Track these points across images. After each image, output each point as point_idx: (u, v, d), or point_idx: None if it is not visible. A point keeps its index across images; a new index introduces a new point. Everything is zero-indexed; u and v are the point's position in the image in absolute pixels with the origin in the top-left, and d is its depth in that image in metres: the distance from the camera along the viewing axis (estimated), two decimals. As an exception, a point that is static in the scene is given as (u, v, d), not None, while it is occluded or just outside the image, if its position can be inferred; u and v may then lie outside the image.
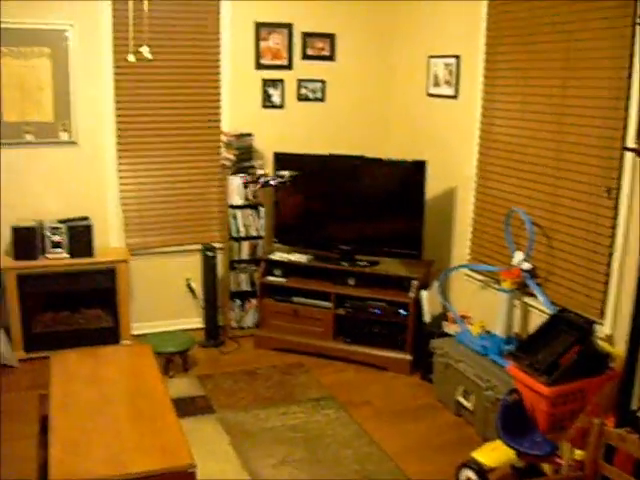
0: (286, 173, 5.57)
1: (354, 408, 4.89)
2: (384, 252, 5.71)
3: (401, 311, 5.41)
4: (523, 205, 4.82)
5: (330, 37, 6.21)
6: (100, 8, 5.56)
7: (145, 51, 4.45)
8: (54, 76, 5.58)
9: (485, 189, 5.28)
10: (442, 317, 5.36)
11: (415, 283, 5.41)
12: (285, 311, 5.79)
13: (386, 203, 5.67)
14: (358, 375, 5.44)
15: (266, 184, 5.64)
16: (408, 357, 5.42)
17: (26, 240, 5.46)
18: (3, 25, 5.38)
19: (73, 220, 5.64)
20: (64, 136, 5.70)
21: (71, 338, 5.64)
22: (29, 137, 5.61)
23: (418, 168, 5.45)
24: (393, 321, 5.46)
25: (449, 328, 5.16)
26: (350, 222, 5.81)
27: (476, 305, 5.33)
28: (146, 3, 5.02)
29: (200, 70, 5.98)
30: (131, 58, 4.57)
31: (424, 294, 5.45)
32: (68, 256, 5.57)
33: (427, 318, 5.43)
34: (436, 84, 5.72)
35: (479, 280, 5.33)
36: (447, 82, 5.58)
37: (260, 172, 5.92)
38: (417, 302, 5.42)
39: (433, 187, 5.67)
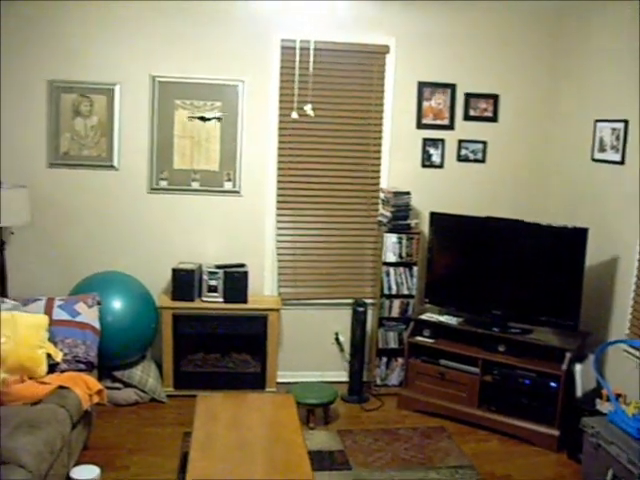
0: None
1: (494, 481, 4.70)
2: (538, 320, 5.49)
3: (552, 383, 5.17)
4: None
5: (494, 98, 6.15)
6: (270, 65, 5.84)
7: (308, 108, 4.58)
8: (223, 128, 5.86)
9: (650, 261, 5.00)
10: (595, 393, 5.06)
11: (569, 355, 5.16)
12: (431, 373, 5.68)
13: (543, 269, 5.47)
14: (501, 446, 5.22)
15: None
16: (556, 433, 5.13)
17: (184, 282, 5.71)
18: (180, 80, 5.76)
19: (230, 266, 5.84)
20: (228, 185, 5.95)
21: (218, 380, 5.82)
22: (195, 184, 5.91)
23: (579, 235, 5.24)
24: (542, 393, 5.21)
25: (602, 406, 4.86)
26: (504, 287, 5.64)
27: (633, 384, 5.00)
28: (311, 62, 5.19)
29: (362, 127, 6.09)
30: (294, 115, 4.73)
31: (577, 367, 5.19)
32: (222, 300, 5.75)
33: (579, 393, 5.16)
34: (602, 149, 5.51)
35: (638, 357, 5.01)
36: (613, 147, 5.37)
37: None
38: (569, 375, 5.17)
39: (593, 255, 5.42)
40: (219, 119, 5.72)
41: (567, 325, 5.35)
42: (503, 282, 5.64)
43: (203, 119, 5.72)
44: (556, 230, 5.40)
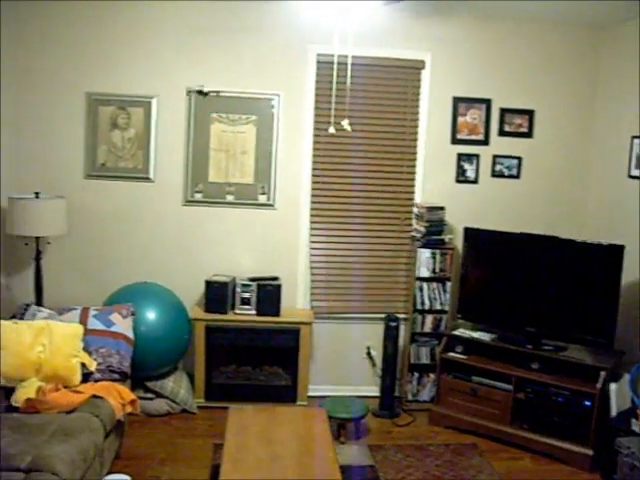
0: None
1: (526, 499, 4.64)
2: (572, 338, 5.43)
3: (586, 402, 5.11)
4: None
5: (529, 113, 6.12)
6: (306, 79, 5.88)
7: (345, 124, 4.59)
8: (258, 141, 5.90)
9: (688, 280, 4.93)
10: (630, 413, 4.99)
11: (603, 374, 5.10)
12: (463, 389, 5.64)
13: (578, 287, 5.42)
14: (534, 465, 5.14)
15: None
16: (589, 452, 5.06)
17: (218, 294, 5.74)
18: (216, 94, 5.80)
19: (263, 279, 5.86)
20: (262, 198, 5.98)
21: (249, 392, 5.83)
22: (230, 197, 5.95)
23: (614, 252, 5.18)
24: (576, 412, 5.15)
25: (638, 426, 4.79)
26: (538, 303, 5.59)
27: (670, 404, 4.93)
28: (349, 77, 5.21)
29: (397, 142, 6.10)
30: (331, 130, 4.75)
31: (612, 387, 5.12)
32: (255, 313, 5.77)
33: (614, 413, 5.09)
34: (638, 165, 5.45)
35: (675, 377, 4.94)
36: (651, 164, 5.32)
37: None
38: (604, 394, 5.10)
39: (630, 272, 5.37)
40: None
41: (602, 343, 5.29)
42: (537, 299, 5.60)
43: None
44: (591, 247, 5.35)
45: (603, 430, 5.03)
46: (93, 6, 5.66)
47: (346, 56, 5.21)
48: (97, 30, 5.70)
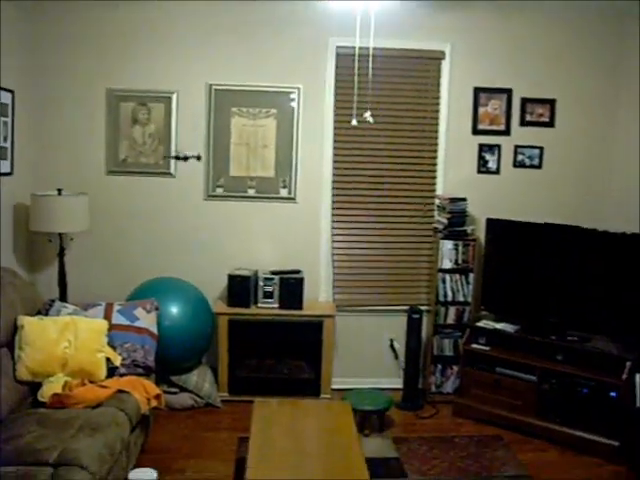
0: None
1: (552, 491, 4.62)
2: (597, 328, 5.40)
3: (611, 393, 5.07)
4: None
5: (550, 103, 6.07)
6: (326, 72, 5.87)
7: (368, 115, 4.58)
8: (278, 135, 5.90)
9: None
10: (657, 404, 4.97)
11: (629, 364, 5.06)
12: (487, 381, 5.62)
13: (601, 277, 5.38)
14: (560, 457, 5.11)
15: None
16: (615, 443, 5.02)
17: (240, 288, 5.75)
18: (236, 88, 5.82)
19: (286, 272, 5.86)
20: (283, 192, 5.98)
21: (273, 386, 5.84)
22: (251, 191, 5.96)
23: (637, 242, 5.14)
24: (601, 403, 5.11)
25: (664, 416, 4.77)
26: (562, 294, 5.55)
27: (697, 394, 4.89)
28: (370, 69, 5.20)
29: (418, 133, 6.08)
30: (354, 122, 4.73)
31: (638, 377, 5.08)
32: (278, 307, 5.77)
33: (640, 403, 5.07)
34: (663, 154, 5.42)
35: (702, 367, 4.90)
36: (676, 152, 5.26)
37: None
38: (630, 385, 5.06)
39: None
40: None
41: (627, 333, 5.24)
42: (561, 289, 5.56)
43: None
44: (614, 236, 5.30)
45: (629, 421, 4.99)
46: (113, 3, 5.68)
47: (367, 48, 5.19)
48: (117, 26, 5.72)
